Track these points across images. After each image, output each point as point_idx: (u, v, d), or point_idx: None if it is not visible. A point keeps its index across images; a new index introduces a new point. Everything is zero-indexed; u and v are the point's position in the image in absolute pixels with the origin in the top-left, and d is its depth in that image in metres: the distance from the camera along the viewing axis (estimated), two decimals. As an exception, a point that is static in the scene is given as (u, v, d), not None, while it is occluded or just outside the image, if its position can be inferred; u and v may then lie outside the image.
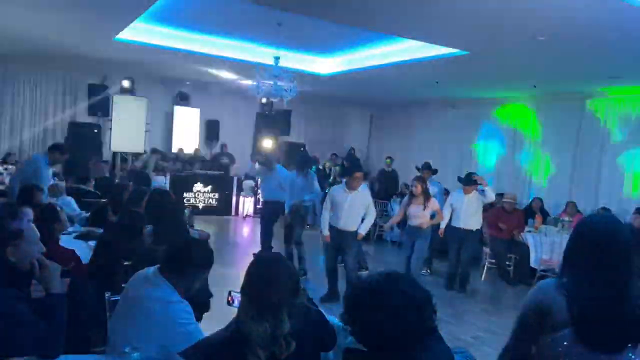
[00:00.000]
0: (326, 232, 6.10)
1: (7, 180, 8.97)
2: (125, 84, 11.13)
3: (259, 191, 12.25)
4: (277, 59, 7.78)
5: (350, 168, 6.50)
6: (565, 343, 1.80)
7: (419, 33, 6.67)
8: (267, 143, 11.56)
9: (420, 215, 6.43)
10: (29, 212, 2.23)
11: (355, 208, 5.99)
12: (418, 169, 8.04)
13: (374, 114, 15.86)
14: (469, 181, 6.97)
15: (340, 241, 6.04)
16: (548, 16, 5.31)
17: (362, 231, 6.10)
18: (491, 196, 6.99)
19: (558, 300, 1.85)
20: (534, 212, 8.78)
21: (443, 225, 6.96)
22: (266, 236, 7.66)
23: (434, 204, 6.57)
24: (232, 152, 13.32)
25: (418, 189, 6.48)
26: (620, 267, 1.80)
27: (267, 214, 7.74)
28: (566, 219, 8.26)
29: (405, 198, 6.87)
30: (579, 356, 1.77)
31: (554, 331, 1.83)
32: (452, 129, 12.73)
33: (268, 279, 2.02)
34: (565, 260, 1.96)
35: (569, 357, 1.79)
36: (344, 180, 6.22)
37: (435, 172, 8.18)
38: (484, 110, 11.88)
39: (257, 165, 8.31)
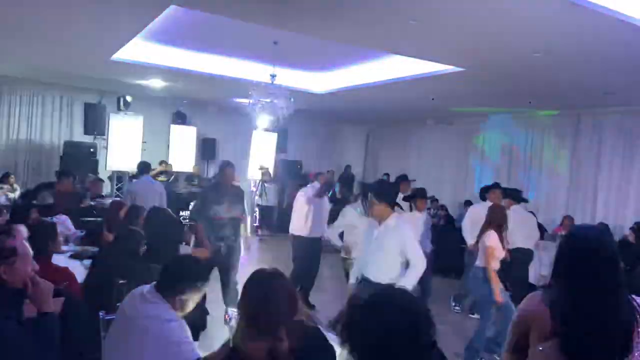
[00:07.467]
0: None
1: (2, 199, 8.85)
2: (121, 103, 11.12)
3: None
4: (273, 76, 7.79)
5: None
6: (550, 354, 1.77)
7: (415, 50, 6.70)
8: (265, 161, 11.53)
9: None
10: (23, 230, 2.20)
11: None
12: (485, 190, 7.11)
13: (371, 131, 15.91)
14: None
15: None
16: (544, 33, 5.35)
17: None
18: None
19: (543, 310, 1.84)
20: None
21: None
22: None
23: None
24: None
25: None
26: (604, 277, 1.76)
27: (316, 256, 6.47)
28: (563, 233, 8.21)
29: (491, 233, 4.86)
30: None
31: (541, 341, 1.81)
32: (448, 146, 12.78)
33: (265, 296, 1.98)
34: (553, 271, 1.94)
35: None
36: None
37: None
38: (480, 126, 11.92)
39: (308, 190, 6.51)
